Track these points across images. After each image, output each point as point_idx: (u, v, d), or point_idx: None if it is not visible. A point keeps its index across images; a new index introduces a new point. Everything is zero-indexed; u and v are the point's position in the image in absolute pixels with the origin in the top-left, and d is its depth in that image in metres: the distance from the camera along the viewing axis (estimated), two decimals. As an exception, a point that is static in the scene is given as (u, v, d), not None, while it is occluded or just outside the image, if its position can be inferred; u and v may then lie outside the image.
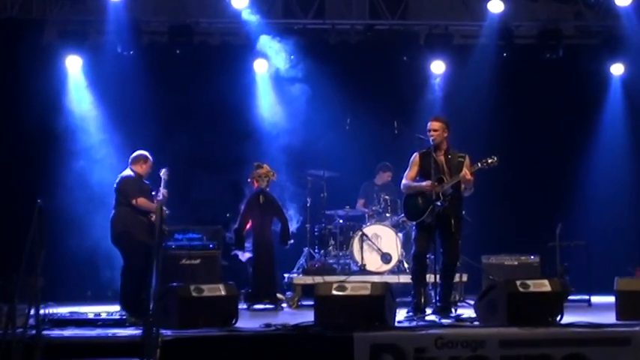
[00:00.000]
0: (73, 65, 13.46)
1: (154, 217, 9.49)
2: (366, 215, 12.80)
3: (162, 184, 9.95)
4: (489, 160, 9.12)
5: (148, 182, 10.03)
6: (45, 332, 7.52)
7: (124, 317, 8.94)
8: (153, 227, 9.34)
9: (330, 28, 14.05)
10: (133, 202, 9.63)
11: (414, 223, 9.47)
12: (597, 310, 10.22)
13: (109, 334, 7.96)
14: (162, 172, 10.07)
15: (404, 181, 9.60)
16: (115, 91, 13.29)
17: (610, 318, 8.74)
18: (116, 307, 9.81)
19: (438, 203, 9.12)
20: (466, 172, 9.10)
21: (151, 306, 7.56)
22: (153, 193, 9.94)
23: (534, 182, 13.97)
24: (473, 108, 13.56)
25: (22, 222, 7.45)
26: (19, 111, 12.91)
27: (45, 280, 8.00)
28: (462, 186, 9.28)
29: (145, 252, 9.29)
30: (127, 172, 9.91)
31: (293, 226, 12.12)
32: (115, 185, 9.90)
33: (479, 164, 9.15)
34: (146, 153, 10.04)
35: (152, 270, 7.66)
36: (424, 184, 9.24)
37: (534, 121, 14.09)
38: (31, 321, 7.42)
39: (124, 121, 13.18)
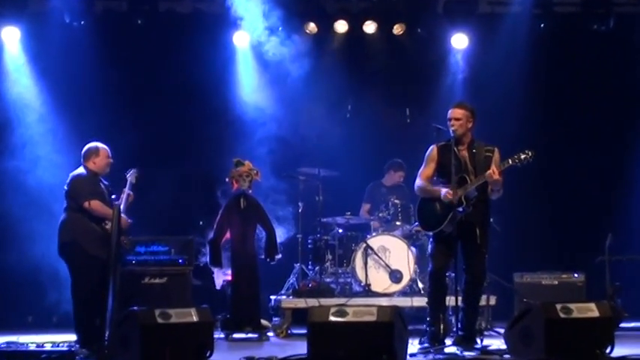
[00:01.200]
0: (10, 38, 13.49)
1: (109, 225, 9.49)
2: (372, 224, 12.85)
3: (127, 186, 9.95)
4: (522, 156, 9.08)
5: (106, 183, 10.03)
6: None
7: (73, 349, 8.92)
8: (108, 238, 9.38)
9: (328, -7, 14.11)
10: (85, 204, 9.61)
11: (431, 233, 9.49)
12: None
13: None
14: (130, 174, 10.08)
15: (418, 181, 9.60)
16: (61, 70, 13.32)
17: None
18: (65, 337, 9.81)
19: (460, 209, 9.11)
20: (493, 171, 9.06)
21: (107, 335, 7.56)
22: (113, 196, 9.94)
23: (578, 183, 14.00)
24: (502, 92, 13.61)
25: None
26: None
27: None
28: (489, 187, 9.28)
29: (96, 267, 9.32)
30: (79, 170, 9.92)
31: (281, 237, 12.11)
32: (65, 187, 9.90)
33: (509, 161, 9.12)
34: (98, 144, 10.01)
35: (107, 290, 7.68)
36: (443, 191, 9.25)
37: (578, 108, 14.10)
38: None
39: (72, 108, 13.26)
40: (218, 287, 11.80)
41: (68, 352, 8.61)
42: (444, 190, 9.23)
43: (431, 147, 9.57)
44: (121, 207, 9.73)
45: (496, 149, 9.41)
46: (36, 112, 13.33)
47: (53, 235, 9.96)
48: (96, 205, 9.68)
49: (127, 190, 9.91)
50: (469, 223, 9.20)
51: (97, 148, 9.95)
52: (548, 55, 13.93)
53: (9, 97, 13.31)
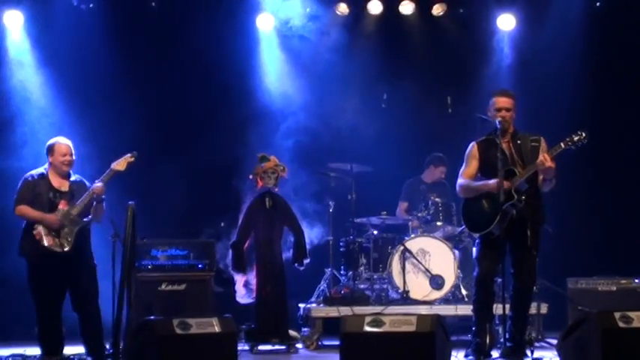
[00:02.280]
0: (12, 23, 13.58)
1: (38, 230, 9.66)
2: (410, 224, 12.88)
3: (104, 175, 9.91)
4: (575, 137, 9.06)
5: (78, 179, 10.06)
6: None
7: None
8: (31, 245, 9.66)
9: (361, -29, 14.15)
10: (16, 212, 9.87)
11: (478, 235, 9.52)
12: None
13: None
14: (116, 162, 9.98)
15: (460, 181, 9.59)
16: (67, 56, 13.43)
17: None
18: (75, 349, 9.91)
19: (513, 204, 9.10)
20: (545, 157, 9.05)
21: (122, 347, 7.63)
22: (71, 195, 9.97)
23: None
24: (551, 78, 13.61)
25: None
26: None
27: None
28: (540, 178, 9.27)
29: (28, 271, 9.77)
30: (39, 168, 10.07)
31: (310, 240, 12.16)
32: None
33: (561, 144, 9.06)
34: (57, 139, 10.07)
35: (122, 298, 7.75)
36: (490, 182, 9.24)
37: (637, 95, 14.05)
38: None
39: (79, 97, 13.36)
40: (239, 298, 11.76)
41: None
42: (492, 180, 9.21)
43: (470, 145, 9.57)
44: (76, 206, 9.77)
45: (542, 138, 9.42)
46: (39, 103, 13.43)
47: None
48: (21, 210, 9.84)
49: (96, 183, 9.85)
50: (519, 222, 9.15)
51: (52, 145, 10.01)
52: (604, 37, 13.84)
53: (11, 87, 13.42)
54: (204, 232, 12.45)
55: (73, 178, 10.02)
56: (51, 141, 10.05)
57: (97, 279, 9.90)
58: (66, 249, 9.63)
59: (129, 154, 9.95)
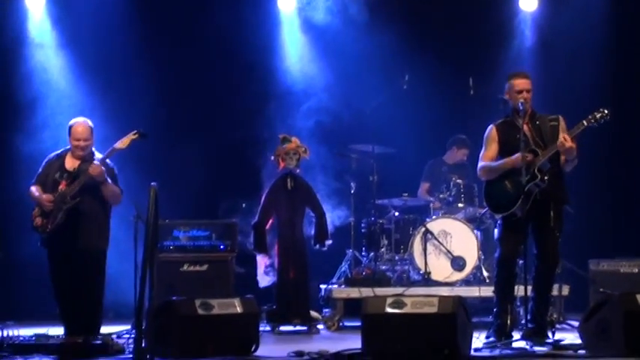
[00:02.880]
0: (34, 4, 13.65)
1: (35, 210, 9.75)
2: (432, 206, 12.89)
3: (105, 152, 9.84)
4: (597, 115, 9.03)
5: (95, 160, 9.97)
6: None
7: (106, 341, 9.02)
8: (32, 224, 9.74)
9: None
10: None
11: (500, 216, 9.50)
12: None
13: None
14: (120, 140, 9.87)
15: (481, 164, 9.56)
16: (88, 37, 13.47)
17: None
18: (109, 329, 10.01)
19: (537, 183, 9.08)
20: (565, 138, 9.04)
21: (143, 327, 7.66)
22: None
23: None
24: (577, 61, 13.60)
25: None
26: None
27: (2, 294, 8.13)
28: (562, 158, 9.26)
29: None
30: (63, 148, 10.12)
31: (332, 221, 12.17)
32: None
33: (584, 122, 9.03)
34: (75, 120, 10.03)
35: (144, 279, 7.76)
36: (513, 157, 9.16)
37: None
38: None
39: (100, 79, 13.43)
40: (260, 278, 11.77)
41: (101, 345, 8.71)
42: (514, 156, 9.18)
43: (489, 128, 9.54)
44: (71, 187, 9.72)
45: (561, 117, 9.39)
46: (59, 85, 13.47)
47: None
48: (30, 191, 9.88)
49: (93, 163, 9.72)
50: (542, 203, 9.12)
51: (69, 127, 9.98)
52: (624, 18, 13.78)
53: (32, 69, 13.47)
54: (224, 213, 12.50)
55: (91, 159, 9.88)
56: (71, 122, 10.03)
57: (101, 266, 9.90)
58: (48, 228, 9.65)
59: (132, 132, 9.88)
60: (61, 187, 9.76)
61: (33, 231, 9.75)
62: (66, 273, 9.78)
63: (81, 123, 9.94)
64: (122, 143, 9.84)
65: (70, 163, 9.90)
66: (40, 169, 9.96)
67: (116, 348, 8.64)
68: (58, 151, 10.02)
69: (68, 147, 9.96)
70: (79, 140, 9.84)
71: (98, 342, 8.72)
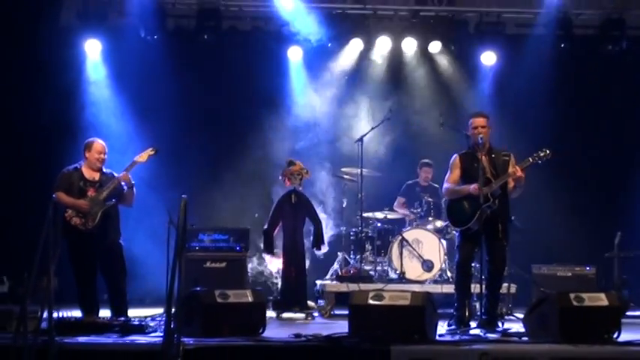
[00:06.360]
0: (92, 50, 13.65)
1: (68, 212, 9.61)
2: (407, 219, 12.87)
3: (127, 165, 9.83)
4: (541, 154, 9.13)
5: (107, 172, 9.92)
6: (58, 338, 7.54)
7: (143, 323, 8.98)
8: (63, 224, 9.44)
9: (372, 13, 14.10)
10: (54, 196, 9.63)
11: (459, 229, 9.51)
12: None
13: (127, 342, 7.99)
14: (139, 155, 9.91)
15: (446, 185, 9.62)
16: (135, 80, 13.38)
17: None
18: (136, 312, 9.94)
19: (487, 205, 9.13)
20: (516, 169, 9.13)
21: (173, 311, 7.63)
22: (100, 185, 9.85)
23: (592, 186, 13.91)
24: (526, 104, 13.60)
25: (38, 220, 7.51)
26: (35, 101, 13.04)
27: (59, 281, 8.07)
28: (510, 185, 9.30)
29: (67, 248, 9.59)
30: (75, 164, 10.02)
31: (327, 233, 12.20)
32: None
33: (530, 159, 9.16)
34: (95, 139, 9.99)
35: (174, 274, 7.74)
36: (471, 187, 9.25)
37: (594, 119, 14.01)
38: (44, 325, 7.47)
39: (143, 113, 13.34)
40: (271, 269, 11.96)
41: (140, 325, 8.67)
42: (472, 185, 9.23)
43: (453, 156, 9.61)
44: (104, 191, 9.72)
45: (511, 154, 9.48)
46: (108, 118, 13.38)
47: (127, 222, 10.12)
48: (60, 196, 9.69)
49: (122, 173, 9.74)
50: (492, 219, 9.20)
51: (91, 142, 9.93)
52: (568, 72, 13.78)
53: (88, 103, 13.45)
54: (242, 221, 12.52)
55: (105, 171, 9.92)
56: (89, 140, 10.00)
57: (122, 256, 9.80)
58: (89, 226, 9.62)
59: (150, 148, 9.96)
60: (90, 193, 9.72)
61: (67, 230, 9.54)
62: (105, 262, 9.72)
63: (101, 142, 9.96)
64: (141, 157, 9.89)
65: (89, 174, 9.86)
66: (59, 181, 9.79)
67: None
68: (71, 166, 9.91)
69: (81, 162, 9.91)
70: (101, 154, 9.86)
71: (135, 322, 8.70)
